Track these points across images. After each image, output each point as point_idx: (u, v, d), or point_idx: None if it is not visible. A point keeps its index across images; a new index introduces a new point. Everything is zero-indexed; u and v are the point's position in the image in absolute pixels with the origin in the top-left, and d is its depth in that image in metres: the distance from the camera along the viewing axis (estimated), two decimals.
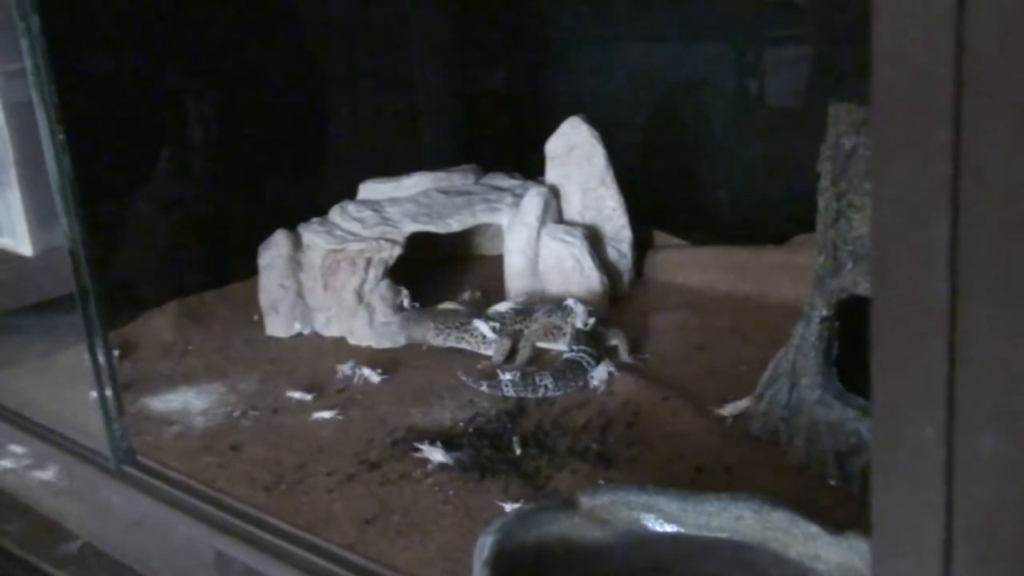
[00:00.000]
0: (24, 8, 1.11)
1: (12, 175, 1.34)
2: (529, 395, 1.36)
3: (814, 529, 0.87)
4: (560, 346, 1.47)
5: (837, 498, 1.06)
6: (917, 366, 0.38)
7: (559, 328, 1.47)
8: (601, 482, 1.14)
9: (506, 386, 1.37)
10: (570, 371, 1.38)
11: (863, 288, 1.06)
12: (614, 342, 1.47)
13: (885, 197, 0.37)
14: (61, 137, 1.16)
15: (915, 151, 0.36)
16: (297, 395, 1.45)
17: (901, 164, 0.36)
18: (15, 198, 1.35)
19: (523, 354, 1.48)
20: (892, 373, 0.39)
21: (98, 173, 1.55)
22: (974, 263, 0.36)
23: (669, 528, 0.93)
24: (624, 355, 1.45)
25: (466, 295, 1.73)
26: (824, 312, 1.11)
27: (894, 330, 0.38)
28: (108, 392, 1.25)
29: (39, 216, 1.38)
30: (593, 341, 1.44)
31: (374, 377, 1.47)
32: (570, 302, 1.50)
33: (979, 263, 0.36)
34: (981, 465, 0.38)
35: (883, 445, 0.39)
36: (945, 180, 0.35)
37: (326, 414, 1.38)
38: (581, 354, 1.40)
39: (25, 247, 1.40)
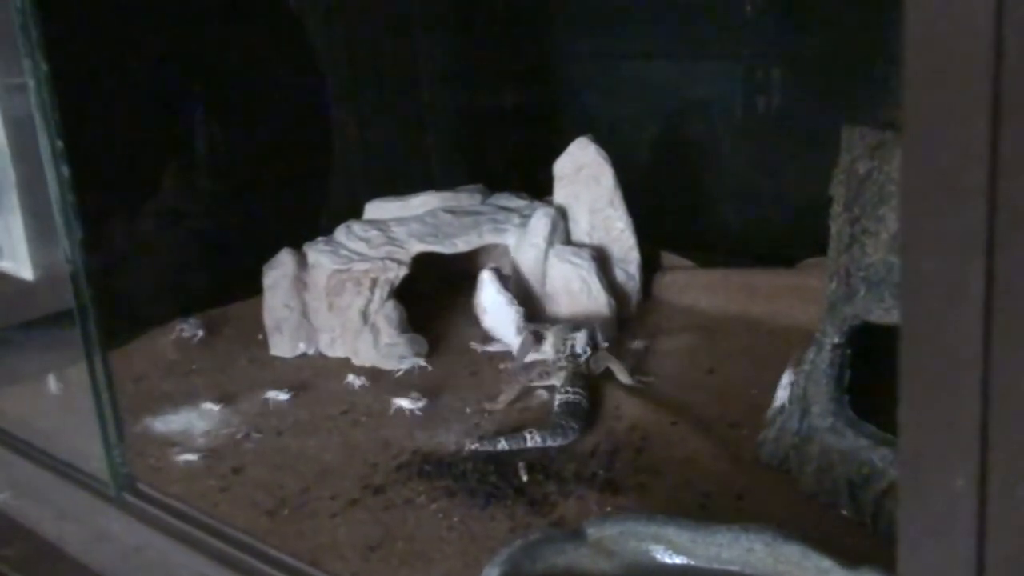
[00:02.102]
0: (27, 25, 1.10)
1: (13, 198, 1.33)
2: (519, 446, 1.27)
3: (827, 563, 0.85)
4: (552, 380, 1.39)
5: (849, 529, 1.04)
6: (948, 413, 0.36)
7: (555, 363, 1.41)
8: (608, 509, 1.12)
9: (500, 442, 1.27)
10: (568, 417, 1.29)
11: (876, 315, 1.05)
12: (607, 365, 1.42)
13: (917, 238, 0.35)
14: (61, 152, 1.14)
15: (948, 191, 0.34)
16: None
17: (934, 204, 0.35)
18: (16, 221, 1.34)
19: (508, 394, 1.39)
20: (921, 420, 0.37)
21: (102, 191, 1.54)
22: (1010, 305, 0.34)
23: (678, 560, 0.91)
24: (624, 378, 1.42)
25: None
26: (836, 339, 1.09)
27: (924, 375, 0.37)
28: (108, 418, 1.24)
29: (40, 239, 1.37)
30: (584, 380, 1.37)
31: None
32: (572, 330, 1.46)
33: (1015, 305, 0.34)
34: (1017, 519, 0.36)
35: (910, 496, 0.38)
36: (980, 220, 0.33)
37: (190, 456, 1.34)
38: (576, 394, 1.33)
39: (26, 271, 1.39)
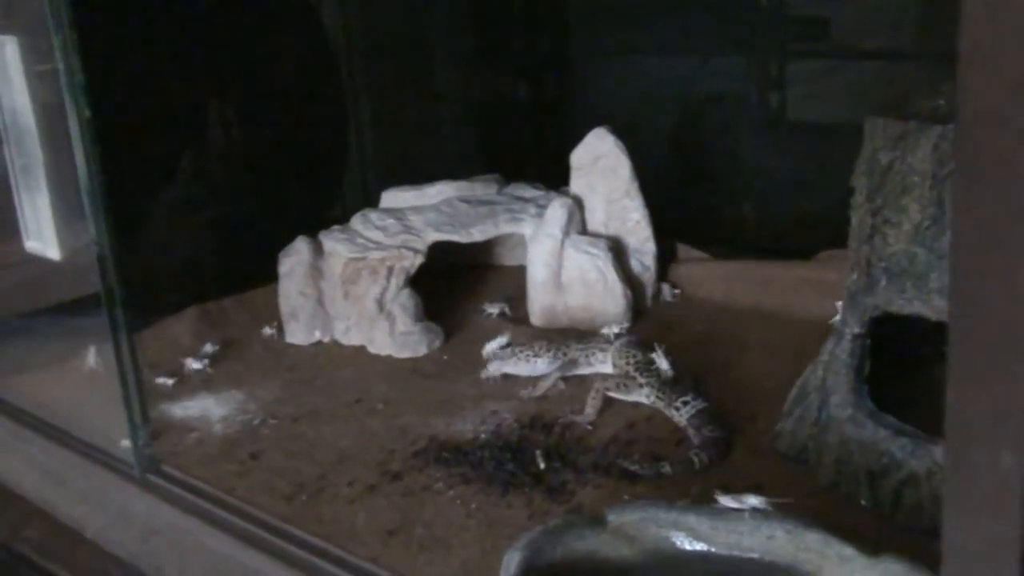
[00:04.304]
0: (57, 9, 1.10)
1: (41, 178, 1.34)
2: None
3: (849, 551, 0.85)
4: (634, 397, 1.34)
5: (868, 520, 1.04)
6: (996, 389, 0.37)
7: (633, 379, 1.36)
8: (627, 498, 1.12)
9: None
10: (716, 427, 1.24)
11: (897, 305, 1.05)
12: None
13: (967, 215, 0.35)
14: (91, 135, 1.15)
15: (1001, 168, 0.34)
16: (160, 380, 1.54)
17: (984, 182, 0.35)
18: (44, 201, 1.34)
19: (594, 406, 1.33)
20: (968, 397, 0.37)
21: (119, 177, 1.54)
22: None
23: (699, 547, 0.92)
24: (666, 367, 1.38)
25: (494, 309, 1.70)
26: (856, 329, 1.09)
27: (972, 351, 0.37)
28: (133, 399, 1.25)
29: (67, 219, 1.37)
30: (685, 385, 1.34)
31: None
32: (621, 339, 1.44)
33: None
34: None
35: (955, 473, 0.38)
36: None
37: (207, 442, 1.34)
38: (698, 398, 1.28)
39: (53, 250, 1.40)
